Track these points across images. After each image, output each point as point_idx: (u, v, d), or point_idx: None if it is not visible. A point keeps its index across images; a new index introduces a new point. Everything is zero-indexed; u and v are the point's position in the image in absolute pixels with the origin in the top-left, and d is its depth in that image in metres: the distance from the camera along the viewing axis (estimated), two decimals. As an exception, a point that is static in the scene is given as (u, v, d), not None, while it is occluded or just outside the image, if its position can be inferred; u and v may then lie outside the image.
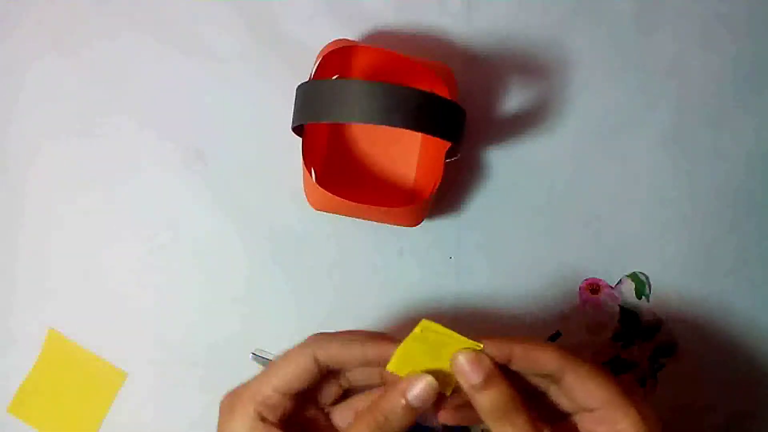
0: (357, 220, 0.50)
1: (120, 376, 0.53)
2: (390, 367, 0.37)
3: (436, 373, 0.36)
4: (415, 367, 0.37)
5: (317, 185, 0.46)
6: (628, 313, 0.55)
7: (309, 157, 0.50)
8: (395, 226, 0.52)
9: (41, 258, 0.53)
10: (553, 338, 0.54)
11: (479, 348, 0.36)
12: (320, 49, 0.48)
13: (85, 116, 0.53)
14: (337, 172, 0.53)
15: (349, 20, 0.52)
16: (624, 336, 0.55)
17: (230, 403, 0.37)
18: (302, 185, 0.50)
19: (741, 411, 0.56)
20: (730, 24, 0.54)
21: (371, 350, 0.37)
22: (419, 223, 0.50)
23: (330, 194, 0.45)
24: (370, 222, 0.51)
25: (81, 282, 0.53)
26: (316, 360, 0.37)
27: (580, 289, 0.55)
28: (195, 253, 0.53)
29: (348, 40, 0.49)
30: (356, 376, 0.40)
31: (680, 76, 0.54)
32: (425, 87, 0.51)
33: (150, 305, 0.53)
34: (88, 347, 0.53)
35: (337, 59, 0.50)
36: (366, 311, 0.53)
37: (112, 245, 0.53)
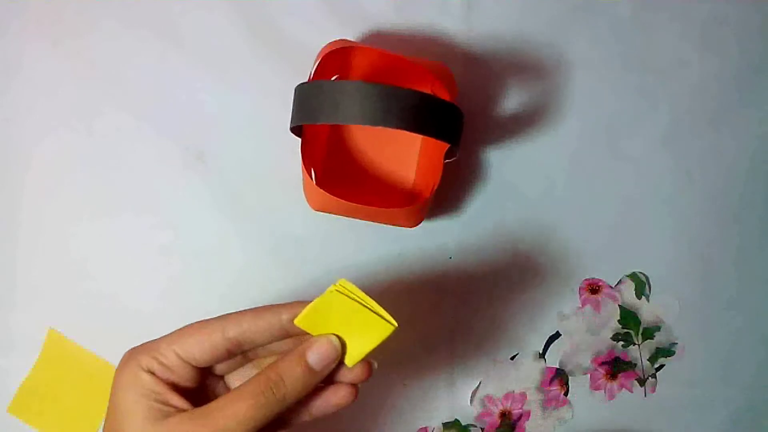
0: (356, 220, 0.50)
1: (120, 376, 0.53)
2: (298, 321, 0.35)
3: (343, 340, 0.35)
4: (324, 329, 0.35)
5: (317, 186, 0.46)
6: (628, 313, 0.55)
7: (309, 158, 0.50)
8: (395, 227, 0.52)
9: (41, 258, 0.53)
10: (553, 338, 0.54)
11: (394, 326, 0.35)
12: (320, 49, 0.48)
13: (85, 116, 0.53)
14: (337, 172, 0.53)
15: (349, 20, 0.52)
16: (624, 336, 0.55)
17: (127, 354, 0.36)
18: (302, 186, 0.50)
19: (741, 410, 0.56)
20: (729, 24, 0.54)
21: (285, 313, 0.35)
22: (419, 224, 0.50)
23: (329, 195, 0.45)
24: (369, 222, 0.51)
25: (81, 282, 0.53)
26: (225, 337, 0.35)
27: (580, 289, 0.55)
28: (195, 253, 0.53)
29: (348, 40, 0.49)
30: (264, 352, 0.38)
31: (680, 76, 0.54)
32: (425, 87, 0.51)
33: (150, 305, 0.53)
34: (88, 347, 0.53)
35: (336, 59, 0.50)
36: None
37: (112, 245, 0.53)
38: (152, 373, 0.34)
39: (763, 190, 0.55)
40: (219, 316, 0.36)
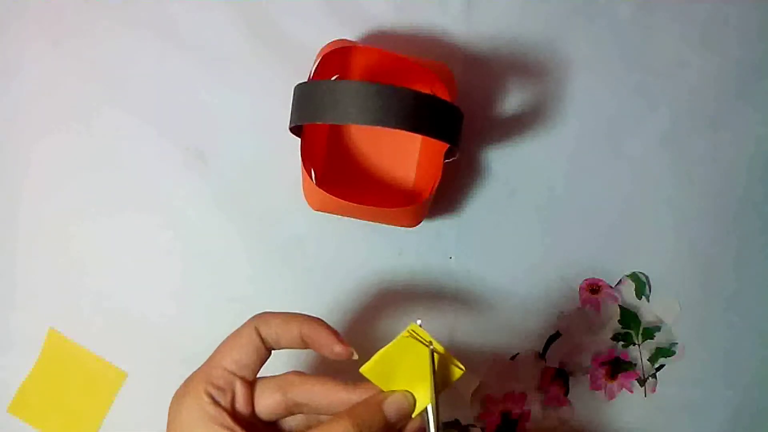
0: (356, 220, 0.50)
1: (120, 376, 0.53)
2: (365, 370, 0.36)
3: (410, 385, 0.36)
4: (390, 378, 0.36)
5: (316, 186, 0.46)
6: (628, 313, 0.55)
7: (308, 158, 0.50)
8: (395, 227, 0.52)
9: (41, 258, 0.53)
10: (553, 338, 0.54)
11: (462, 371, 0.36)
12: (320, 49, 0.48)
13: (85, 116, 0.53)
14: (337, 172, 0.53)
15: (349, 20, 0.52)
16: (624, 336, 0.55)
17: (183, 389, 0.37)
18: (302, 186, 0.50)
19: (741, 410, 0.56)
20: (729, 24, 0.54)
21: (306, 328, 0.37)
22: (419, 224, 0.50)
23: (329, 195, 0.45)
24: (369, 222, 0.51)
25: (81, 282, 0.53)
26: (258, 333, 0.37)
27: (580, 289, 0.55)
28: (195, 253, 0.53)
29: (348, 40, 0.49)
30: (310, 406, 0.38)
31: (680, 76, 0.54)
32: (425, 87, 0.51)
33: (150, 305, 0.53)
34: (88, 347, 0.53)
35: (336, 59, 0.50)
36: (366, 311, 0.53)
37: (113, 245, 0.53)
38: (217, 403, 0.35)
39: (763, 190, 0.55)
40: (248, 320, 0.38)
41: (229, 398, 0.36)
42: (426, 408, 0.35)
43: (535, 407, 0.55)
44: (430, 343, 0.35)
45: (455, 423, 0.54)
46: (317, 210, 0.49)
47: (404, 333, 0.35)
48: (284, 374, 0.38)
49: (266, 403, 0.37)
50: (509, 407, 0.55)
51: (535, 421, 0.55)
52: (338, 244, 0.53)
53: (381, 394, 0.36)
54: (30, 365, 0.53)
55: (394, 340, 0.36)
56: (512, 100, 0.53)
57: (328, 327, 0.37)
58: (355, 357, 0.37)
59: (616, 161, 0.54)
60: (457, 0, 0.53)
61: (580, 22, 0.54)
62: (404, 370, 0.36)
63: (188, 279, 0.53)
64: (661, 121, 0.54)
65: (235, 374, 0.36)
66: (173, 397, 0.37)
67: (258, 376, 0.37)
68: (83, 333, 0.53)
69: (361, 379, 0.36)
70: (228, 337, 0.37)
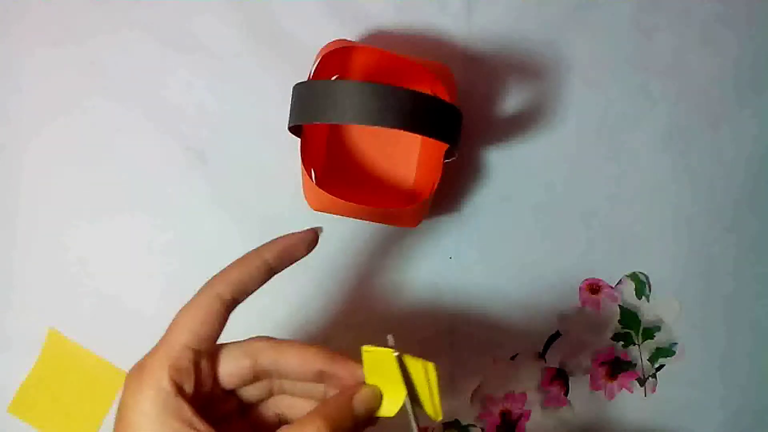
0: (356, 220, 0.50)
1: (120, 376, 0.53)
2: (366, 348, 0.35)
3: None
4: (377, 371, 0.35)
5: (317, 186, 0.46)
6: (628, 313, 0.55)
7: (309, 158, 0.50)
8: (395, 227, 0.52)
9: (41, 258, 0.53)
10: (553, 338, 0.54)
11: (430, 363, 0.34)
12: (320, 49, 0.48)
13: (84, 116, 0.53)
14: (337, 172, 0.53)
15: (349, 20, 0.52)
16: (624, 336, 0.55)
17: (137, 374, 0.32)
18: (302, 186, 0.50)
19: (740, 410, 0.56)
20: (729, 24, 0.54)
21: (269, 253, 0.35)
22: (419, 224, 0.50)
23: (329, 195, 0.45)
24: (369, 222, 0.51)
25: (81, 282, 0.53)
26: (219, 296, 0.34)
27: (580, 289, 0.55)
28: (195, 253, 0.53)
29: (348, 40, 0.49)
30: (291, 387, 0.36)
31: (680, 76, 0.54)
32: (424, 87, 0.51)
33: (150, 305, 0.53)
34: (88, 347, 0.53)
35: (336, 59, 0.50)
36: (366, 311, 0.53)
37: (113, 245, 0.53)
38: (181, 391, 0.32)
39: (762, 190, 0.55)
40: (204, 286, 0.35)
41: (193, 381, 0.32)
42: (407, 409, 0.35)
43: (535, 407, 0.55)
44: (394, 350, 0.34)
45: (455, 423, 0.54)
46: (317, 210, 0.49)
47: (397, 353, 0.34)
48: (251, 339, 0.35)
49: (231, 371, 0.34)
50: (509, 407, 0.55)
51: (535, 421, 0.55)
52: (338, 244, 0.53)
53: (351, 389, 0.34)
54: (30, 365, 0.53)
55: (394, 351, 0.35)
56: (512, 100, 0.54)
57: (284, 238, 0.36)
58: (321, 231, 0.36)
59: (616, 161, 0.54)
60: (457, 0, 0.53)
61: (580, 22, 0.54)
62: (388, 374, 0.35)
63: (188, 279, 0.53)
64: (661, 121, 0.54)
65: (199, 351, 0.33)
66: (125, 385, 0.32)
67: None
68: (83, 333, 0.53)
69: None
70: (184, 308, 0.34)
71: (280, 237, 0.36)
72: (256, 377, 0.35)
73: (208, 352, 0.34)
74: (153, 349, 0.34)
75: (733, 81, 0.54)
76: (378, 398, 0.35)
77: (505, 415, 0.55)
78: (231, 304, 0.35)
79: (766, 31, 0.54)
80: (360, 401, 0.34)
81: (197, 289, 0.52)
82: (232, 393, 0.36)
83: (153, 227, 0.53)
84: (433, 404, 0.34)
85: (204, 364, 0.33)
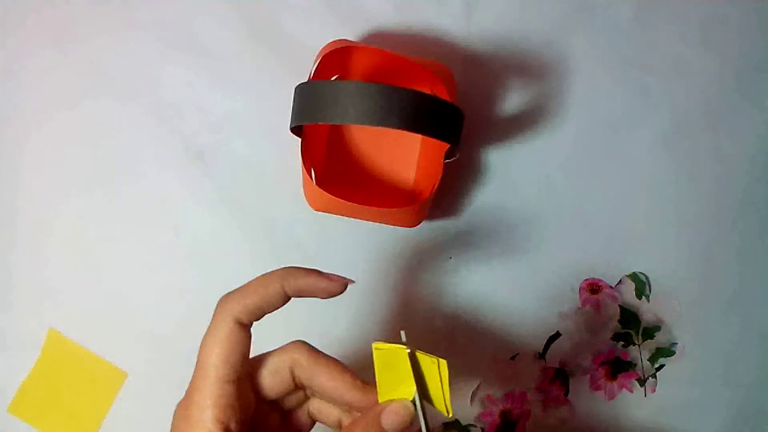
0: (356, 220, 0.50)
1: (120, 376, 0.53)
2: (376, 345, 0.35)
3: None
4: (390, 367, 0.35)
5: (317, 186, 0.46)
6: (628, 313, 0.55)
7: (309, 158, 0.50)
8: (395, 227, 0.52)
9: (41, 258, 0.53)
10: (553, 338, 0.54)
11: (441, 360, 0.34)
12: (320, 49, 0.48)
13: (84, 116, 0.53)
14: (337, 172, 0.53)
15: (349, 20, 0.52)
16: (624, 336, 0.55)
17: (185, 414, 0.34)
18: (302, 186, 0.50)
19: (741, 410, 0.56)
20: (730, 24, 0.54)
21: (289, 286, 0.35)
22: (419, 224, 0.50)
23: (330, 195, 0.45)
24: (369, 222, 0.51)
25: (81, 282, 0.53)
26: (238, 321, 0.34)
27: (580, 289, 0.55)
28: (195, 253, 0.53)
29: (348, 40, 0.49)
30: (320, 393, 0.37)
31: (680, 76, 0.54)
32: (425, 87, 0.51)
33: (150, 305, 0.53)
34: (88, 347, 0.53)
35: (336, 59, 0.50)
36: (366, 311, 0.53)
37: (113, 245, 0.53)
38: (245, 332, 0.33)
39: (763, 190, 0.55)
40: (275, 272, 0.35)
41: (238, 415, 0.33)
42: (417, 406, 0.35)
43: (535, 407, 0.55)
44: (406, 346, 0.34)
45: (455, 423, 0.54)
46: (317, 210, 0.49)
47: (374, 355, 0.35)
48: (290, 348, 0.36)
49: (273, 387, 0.35)
50: (509, 407, 0.55)
51: (535, 421, 0.55)
52: (338, 244, 0.53)
53: (378, 406, 0.35)
54: (30, 365, 0.53)
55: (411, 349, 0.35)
56: (512, 100, 0.54)
57: (308, 269, 0.35)
58: (352, 281, 0.36)
59: (616, 161, 0.54)
60: (457, 0, 0.53)
61: (580, 22, 0.54)
62: (399, 371, 0.35)
63: (188, 279, 0.53)
64: (661, 121, 0.54)
65: (237, 381, 0.33)
66: (173, 425, 0.34)
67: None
68: (83, 333, 0.53)
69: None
70: (208, 336, 0.34)
71: (307, 271, 0.35)
72: (296, 388, 0.36)
73: (246, 373, 0.35)
74: (193, 384, 0.34)
75: (733, 81, 0.54)
76: (410, 413, 0.34)
77: (505, 415, 0.55)
78: (250, 327, 0.35)
79: (766, 31, 0.54)
80: (389, 416, 0.34)
81: (198, 290, 0.53)
82: (275, 403, 0.37)
83: (153, 227, 0.53)
84: (444, 401, 0.34)
85: (244, 389, 0.34)
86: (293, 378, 0.36)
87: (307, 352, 0.36)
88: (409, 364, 0.34)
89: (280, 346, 0.36)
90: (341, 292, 0.36)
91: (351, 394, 0.35)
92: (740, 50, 0.54)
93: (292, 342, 0.36)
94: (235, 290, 0.35)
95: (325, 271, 0.36)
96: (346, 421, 0.37)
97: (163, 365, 0.53)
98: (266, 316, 0.35)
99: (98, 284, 0.53)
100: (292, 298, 0.35)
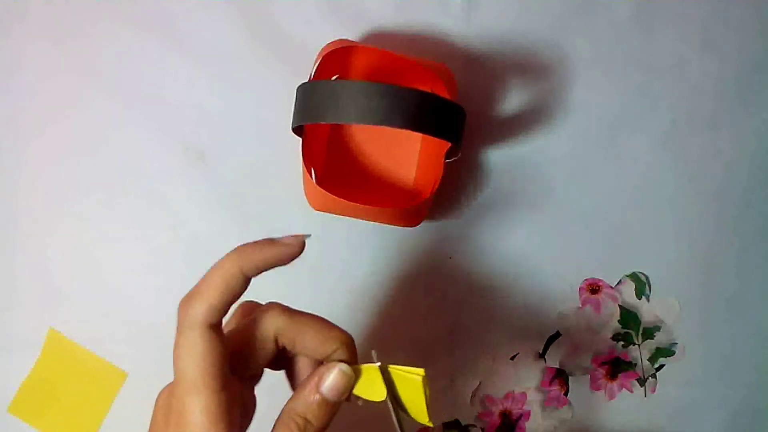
0: (357, 220, 0.50)
1: (120, 376, 0.53)
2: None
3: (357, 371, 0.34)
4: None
5: (317, 186, 0.46)
6: (628, 313, 0.55)
7: (309, 158, 0.50)
8: (395, 227, 0.52)
9: (41, 258, 0.53)
10: (553, 338, 0.54)
11: (420, 376, 0.34)
12: (320, 49, 0.48)
13: (84, 116, 0.53)
14: (337, 172, 0.53)
15: (349, 20, 0.52)
16: (624, 336, 0.55)
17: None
18: (302, 185, 0.50)
19: (741, 411, 0.56)
20: (730, 24, 0.54)
21: (245, 261, 0.34)
22: (419, 224, 0.50)
23: (330, 195, 0.45)
24: (369, 222, 0.51)
25: (81, 282, 0.53)
26: (209, 327, 0.33)
27: (580, 289, 0.55)
28: (195, 253, 0.53)
29: (348, 40, 0.49)
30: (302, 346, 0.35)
31: (680, 76, 0.54)
32: (425, 87, 0.51)
33: (150, 305, 0.53)
34: (88, 347, 0.53)
35: (337, 59, 0.50)
36: (366, 311, 0.53)
37: (113, 245, 0.53)
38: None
39: (763, 190, 0.55)
40: (227, 258, 0.34)
41: (234, 415, 0.32)
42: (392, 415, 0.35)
43: (535, 407, 0.55)
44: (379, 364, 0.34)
45: (455, 423, 0.54)
46: (318, 210, 0.49)
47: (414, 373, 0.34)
48: (268, 316, 0.35)
49: (258, 359, 0.34)
50: (509, 407, 0.55)
51: (535, 421, 0.55)
52: (338, 244, 0.53)
53: (315, 372, 0.34)
54: (30, 365, 0.53)
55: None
56: (512, 100, 0.54)
57: (257, 243, 0.34)
58: (308, 234, 0.35)
59: (616, 161, 0.54)
60: (457, 0, 0.53)
61: (580, 22, 0.54)
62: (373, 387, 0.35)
63: (188, 279, 0.53)
64: (661, 121, 0.54)
65: (221, 390, 0.32)
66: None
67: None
68: (83, 333, 0.53)
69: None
70: (179, 351, 0.33)
71: (258, 245, 0.35)
72: (277, 353, 0.35)
73: (228, 369, 0.33)
74: (179, 405, 0.33)
75: (733, 81, 0.54)
76: (349, 375, 0.34)
77: (505, 415, 0.55)
78: (221, 325, 0.34)
79: (766, 31, 0.54)
80: (326, 383, 0.33)
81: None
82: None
83: (153, 227, 0.53)
84: (420, 412, 0.34)
85: (232, 385, 0.33)
86: (276, 345, 0.34)
87: (287, 316, 0.35)
88: (381, 377, 0.34)
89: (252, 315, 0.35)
90: (301, 252, 0.35)
91: (334, 345, 0.34)
92: (740, 50, 0.54)
93: (267, 307, 0.35)
94: (193, 291, 0.34)
95: (275, 238, 0.35)
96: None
97: (163, 365, 0.53)
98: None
99: (98, 284, 0.53)
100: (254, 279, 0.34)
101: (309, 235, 0.35)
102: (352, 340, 0.35)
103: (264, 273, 0.54)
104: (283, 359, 0.36)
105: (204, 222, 0.53)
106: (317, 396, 0.33)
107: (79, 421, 0.53)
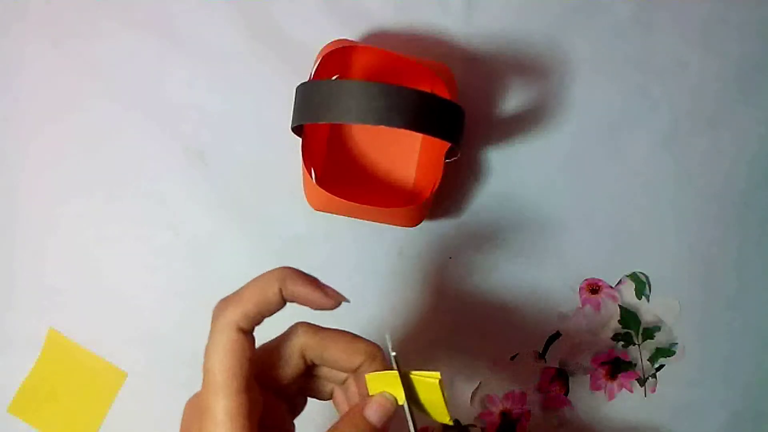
0: (357, 220, 0.50)
1: (120, 376, 0.53)
2: (369, 376, 0.35)
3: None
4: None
5: (317, 185, 0.46)
6: (628, 313, 0.55)
7: (309, 158, 0.50)
8: (395, 227, 0.52)
9: (41, 258, 0.53)
10: (553, 338, 0.54)
11: (436, 379, 0.34)
12: (320, 49, 0.48)
13: (85, 116, 0.53)
14: (337, 172, 0.53)
15: (349, 20, 0.52)
16: (624, 336, 0.55)
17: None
18: (302, 185, 0.50)
19: (741, 411, 0.56)
20: (730, 24, 0.54)
21: (286, 290, 0.34)
22: (419, 224, 0.50)
23: (330, 195, 0.45)
24: (370, 222, 0.51)
25: (81, 282, 0.53)
26: (239, 329, 0.33)
27: (580, 289, 0.55)
28: (195, 253, 0.53)
29: (348, 40, 0.49)
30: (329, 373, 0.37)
31: (680, 76, 0.54)
32: (425, 87, 0.51)
33: (150, 305, 0.53)
34: (88, 347, 0.53)
35: (337, 59, 0.50)
36: (366, 311, 0.53)
37: (113, 245, 0.53)
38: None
39: (763, 190, 0.55)
40: (273, 273, 0.34)
41: (254, 420, 0.33)
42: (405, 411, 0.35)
43: (535, 407, 0.55)
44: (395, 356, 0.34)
45: (455, 423, 0.54)
46: (318, 210, 0.49)
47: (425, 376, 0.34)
48: (295, 333, 0.35)
49: (285, 374, 0.35)
50: (509, 407, 0.55)
51: (535, 421, 0.55)
52: (338, 244, 0.53)
53: (361, 401, 0.35)
54: (30, 365, 0.53)
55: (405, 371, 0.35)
56: (512, 100, 0.54)
57: (308, 277, 0.35)
58: (348, 300, 0.35)
59: (616, 161, 0.54)
60: (457, 0, 0.53)
61: (580, 22, 0.54)
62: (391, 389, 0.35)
63: (188, 279, 0.53)
64: (661, 121, 0.54)
65: (244, 392, 0.32)
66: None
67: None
68: (83, 333, 0.53)
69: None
70: (209, 349, 0.33)
71: (307, 279, 0.35)
72: (305, 369, 0.36)
73: (253, 376, 0.33)
74: (204, 401, 0.33)
75: (733, 81, 0.54)
76: (392, 402, 0.35)
77: (505, 415, 0.55)
78: (252, 332, 0.34)
79: (766, 31, 0.54)
80: (373, 409, 0.34)
81: (198, 290, 0.53)
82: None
83: (153, 227, 0.53)
84: (441, 413, 0.35)
85: (254, 392, 0.33)
86: (304, 360, 0.35)
87: (313, 332, 0.35)
88: (400, 382, 0.34)
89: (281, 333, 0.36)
90: (332, 309, 0.35)
91: (361, 357, 0.35)
92: (740, 50, 0.54)
93: (295, 326, 0.36)
94: (232, 295, 0.34)
95: (323, 282, 0.35)
96: (338, 392, 0.37)
97: (163, 365, 0.53)
98: None
99: (98, 284, 0.53)
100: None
101: (349, 301, 0.36)
102: (379, 350, 0.35)
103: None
104: (318, 383, 0.37)
105: (204, 222, 0.53)
106: (363, 419, 0.34)
107: (78, 420, 0.53)
